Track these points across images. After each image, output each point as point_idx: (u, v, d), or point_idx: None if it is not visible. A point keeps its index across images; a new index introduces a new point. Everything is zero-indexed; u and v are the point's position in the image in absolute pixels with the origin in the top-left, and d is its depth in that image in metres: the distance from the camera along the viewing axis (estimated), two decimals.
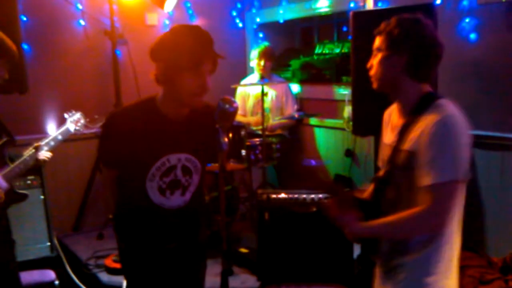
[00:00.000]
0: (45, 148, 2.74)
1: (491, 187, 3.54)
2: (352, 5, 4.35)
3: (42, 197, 3.81)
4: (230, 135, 3.99)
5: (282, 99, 4.87)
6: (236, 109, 2.07)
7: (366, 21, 3.61)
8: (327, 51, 5.04)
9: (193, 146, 2.23)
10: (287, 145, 4.67)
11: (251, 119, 4.84)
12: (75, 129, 3.01)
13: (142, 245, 2.29)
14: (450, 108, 1.77)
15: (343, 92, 4.56)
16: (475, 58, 3.55)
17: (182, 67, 2.02)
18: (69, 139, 3.27)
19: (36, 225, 3.76)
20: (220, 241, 2.36)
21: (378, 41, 1.89)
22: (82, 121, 3.08)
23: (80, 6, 4.64)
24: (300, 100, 5.06)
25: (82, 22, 4.67)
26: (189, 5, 5.26)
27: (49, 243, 3.82)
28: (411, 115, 1.82)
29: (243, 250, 3.87)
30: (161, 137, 2.15)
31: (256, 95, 4.80)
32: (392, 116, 1.99)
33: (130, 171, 2.18)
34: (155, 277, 2.31)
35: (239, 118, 4.84)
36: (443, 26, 3.59)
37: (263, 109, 4.27)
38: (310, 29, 5.54)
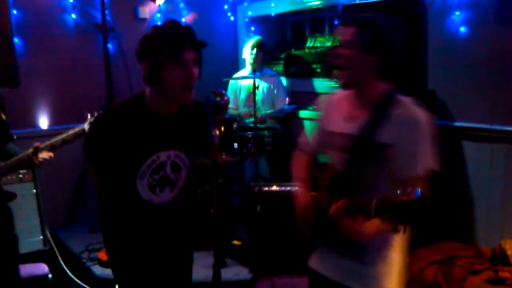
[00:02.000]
0: (48, 148, 2.63)
1: (480, 179, 3.56)
2: None
3: (34, 190, 3.81)
4: (222, 128, 4.00)
5: (273, 92, 4.88)
6: (226, 102, 2.08)
7: (357, 14, 3.64)
8: (318, 45, 5.05)
9: (182, 142, 2.23)
10: (279, 138, 4.68)
11: (242, 111, 4.85)
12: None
13: (130, 241, 2.28)
14: (418, 105, 1.88)
15: (334, 85, 4.56)
16: (465, 51, 3.56)
17: (163, 60, 2.00)
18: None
19: (29, 219, 3.76)
20: (213, 234, 2.38)
21: (350, 36, 1.89)
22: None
23: (71, 0, 4.63)
24: (291, 94, 5.07)
25: (73, 16, 4.65)
26: None
27: (42, 237, 3.81)
28: (378, 110, 1.88)
29: (236, 242, 3.88)
30: (151, 135, 2.13)
31: (247, 88, 4.81)
32: (343, 105, 2.03)
33: (120, 169, 2.16)
34: (144, 271, 2.30)
35: (231, 111, 4.86)
36: (433, 19, 3.61)
37: (255, 102, 4.28)
38: (302, 22, 5.55)
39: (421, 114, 1.85)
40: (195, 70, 2.06)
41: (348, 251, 1.98)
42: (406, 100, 1.89)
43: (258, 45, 4.78)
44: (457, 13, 3.53)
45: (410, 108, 1.87)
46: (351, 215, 1.78)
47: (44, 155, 2.60)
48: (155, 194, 2.22)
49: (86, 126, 2.77)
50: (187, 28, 2.07)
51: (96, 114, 2.90)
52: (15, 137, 2.69)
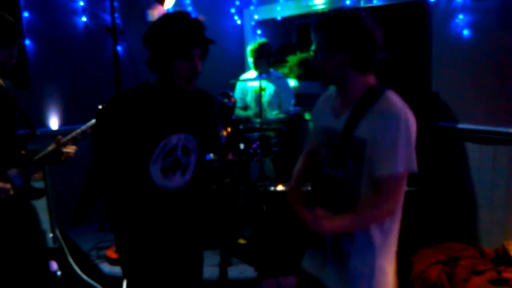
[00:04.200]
0: (70, 142, 2.64)
1: (483, 180, 3.56)
2: (348, 2, 4.38)
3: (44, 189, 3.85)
4: (229, 129, 4.04)
5: (279, 95, 4.92)
6: (234, 103, 2.14)
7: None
8: None
9: (190, 125, 2.25)
10: (284, 139, 4.72)
11: (251, 113, 4.90)
12: None
13: (143, 229, 2.28)
14: (400, 101, 1.83)
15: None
16: (469, 54, 3.56)
17: (172, 53, 2.07)
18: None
19: (39, 216, 3.80)
20: (219, 233, 2.41)
21: (319, 38, 1.88)
22: None
23: (81, 3, 4.68)
24: (297, 96, 5.11)
25: (84, 19, 4.71)
26: (188, 1, 5.30)
27: (51, 235, 3.83)
28: (360, 105, 1.85)
29: (241, 241, 3.91)
30: (161, 118, 2.17)
31: (254, 90, 4.85)
32: (333, 103, 2.02)
33: (132, 156, 2.17)
34: (154, 266, 2.30)
35: (239, 111, 4.91)
36: (437, 22, 3.63)
37: (260, 104, 4.33)
38: (307, 26, 5.58)
39: (398, 110, 1.77)
40: (200, 65, 2.13)
41: (334, 254, 1.96)
42: (389, 94, 1.84)
43: (255, 53, 4.78)
44: (461, 16, 3.54)
45: (389, 102, 1.80)
46: (309, 207, 1.81)
47: (69, 149, 2.61)
48: (167, 178, 2.22)
49: None
50: (197, 24, 2.12)
51: None
52: (38, 132, 2.69)
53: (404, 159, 1.76)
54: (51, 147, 2.58)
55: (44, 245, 2.69)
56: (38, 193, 2.64)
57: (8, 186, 2.42)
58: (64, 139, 2.58)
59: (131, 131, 2.14)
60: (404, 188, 1.84)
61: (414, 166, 1.79)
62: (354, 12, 1.88)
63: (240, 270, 3.64)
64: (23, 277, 2.55)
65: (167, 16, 2.16)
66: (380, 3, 4.05)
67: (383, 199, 1.80)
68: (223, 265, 2.98)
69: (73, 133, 2.65)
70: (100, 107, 2.82)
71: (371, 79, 1.91)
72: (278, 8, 5.24)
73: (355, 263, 1.90)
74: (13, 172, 2.47)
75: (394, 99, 1.83)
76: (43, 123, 4.60)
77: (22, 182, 2.49)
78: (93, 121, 2.72)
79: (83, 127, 2.68)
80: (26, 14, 4.40)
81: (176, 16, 2.14)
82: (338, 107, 1.97)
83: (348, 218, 1.82)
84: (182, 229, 2.36)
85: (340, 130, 1.89)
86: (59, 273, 3.56)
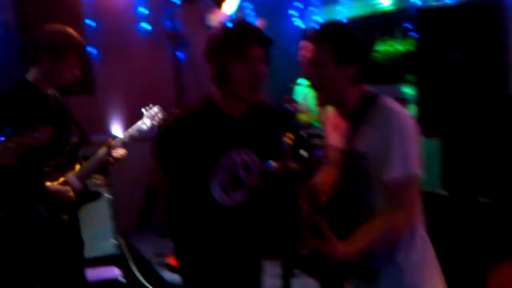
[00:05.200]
0: (120, 145, 2.72)
1: None
2: (417, 1, 4.23)
3: (108, 196, 3.92)
4: (292, 136, 3.96)
5: None
6: (296, 109, 2.06)
7: (434, 18, 3.54)
8: (388, 49, 4.93)
9: (253, 142, 2.21)
10: None
11: (312, 117, 4.80)
12: (152, 124, 2.99)
13: (202, 244, 2.27)
14: (398, 106, 1.80)
15: (407, 91, 4.44)
16: None
17: (230, 59, 2.00)
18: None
19: (102, 223, 3.87)
20: (281, 243, 2.33)
21: (320, 52, 1.81)
22: (160, 115, 3.03)
23: (143, 10, 4.76)
24: None
25: (146, 25, 4.79)
26: (249, 6, 5.28)
27: (114, 241, 3.91)
28: (357, 117, 1.82)
29: (304, 252, 3.82)
30: (223, 134, 2.14)
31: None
32: (334, 119, 1.97)
33: (193, 171, 2.17)
34: (214, 277, 2.29)
35: (301, 116, 4.82)
36: None
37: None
38: (371, 26, 5.44)
39: (395, 115, 1.75)
40: (263, 68, 2.03)
41: (363, 273, 1.90)
42: (384, 102, 1.81)
43: None
44: None
45: (385, 110, 1.78)
46: (318, 237, 1.76)
47: (119, 151, 2.71)
48: (227, 194, 2.20)
49: (146, 120, 2.89)
50: (253, 26, 2.06)
51: (159, 112, 3.03)
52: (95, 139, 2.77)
53: (415, 164, 1.71)
54: (102, 150, 2.69)
55: (81, 254, 2.74)
56: (94, 196, 2.71)
57: (70, 190, 2.53)
58: (114, 143, 2.70)
59: (192, 150, 2.12)
60: (416, 197, 1.78)
61: (415, 170, 1.72)
62: (352, 26, 1.85)
63: (302, 282, 3.57)
64: (58, 284, 2.61)
65: (220, 26, 2.13)
66: (452, 3, 3.88)
67: (400, 208, 1.74)
68: (286, 276, 2.91)
69: (122, 137, 2.77)
70: (155, 109, 2.83)
71: (363, 87, 1.88)
72: (341, 9, 5.16)
73: (383, 280, 1.86)
74: (70, 176, 2.57)
75: (392, 105, 1.80)
76: (105, 129, 4.70)
77: (79, 185, 2.57)
78: (138, 124, 2.86)
79: (131, 131, 2.83)
80: (90, 22, 4.51)
81: (227, 25, 2.10)
82: (338, 122, 1.93)
83: (361, 238, 1.76)
84: (242, 243, 2.34)
85: (342, 147, 1.86)
86: (121, 279, 3.61)
